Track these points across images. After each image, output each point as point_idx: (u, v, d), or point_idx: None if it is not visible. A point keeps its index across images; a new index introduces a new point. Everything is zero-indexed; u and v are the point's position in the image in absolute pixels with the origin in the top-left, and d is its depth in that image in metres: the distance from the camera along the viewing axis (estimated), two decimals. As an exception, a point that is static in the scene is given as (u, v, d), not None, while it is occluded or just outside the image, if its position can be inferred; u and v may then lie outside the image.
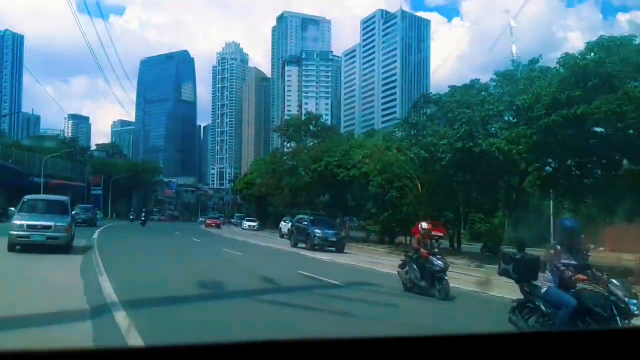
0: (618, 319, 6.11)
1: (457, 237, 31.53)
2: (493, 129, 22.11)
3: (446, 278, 11.84)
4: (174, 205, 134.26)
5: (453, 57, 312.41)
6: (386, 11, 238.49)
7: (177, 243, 31.50)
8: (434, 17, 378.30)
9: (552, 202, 31.37)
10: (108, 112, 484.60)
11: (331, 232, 29.12)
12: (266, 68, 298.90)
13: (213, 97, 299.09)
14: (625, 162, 18.61)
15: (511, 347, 1.73)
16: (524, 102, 19.21)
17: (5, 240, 16.40)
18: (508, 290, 10.12)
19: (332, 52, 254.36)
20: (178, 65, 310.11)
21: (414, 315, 10.72)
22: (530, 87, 19.68)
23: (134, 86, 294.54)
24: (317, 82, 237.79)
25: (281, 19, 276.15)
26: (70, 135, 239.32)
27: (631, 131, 15.86)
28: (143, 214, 61.62)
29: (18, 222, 16.18)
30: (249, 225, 62.78)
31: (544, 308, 6.72)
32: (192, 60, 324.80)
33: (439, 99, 26.67)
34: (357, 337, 1.56)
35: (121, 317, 7.41)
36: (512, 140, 19.96)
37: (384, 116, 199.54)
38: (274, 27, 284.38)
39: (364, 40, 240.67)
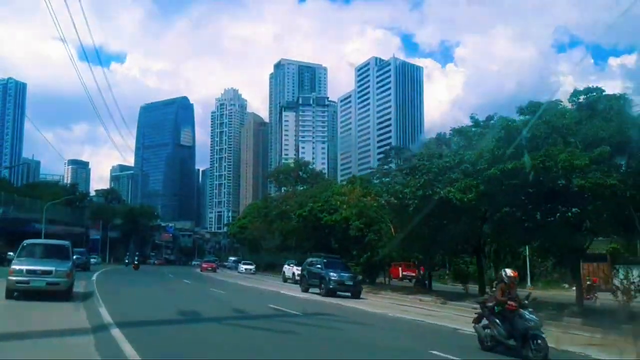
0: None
1: (428, 276, 33.99)
2: (450, 179, 24.73)
3: (543, 335, 10.16)
4: (171, 249, 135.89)
5: (447, 100, 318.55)
6: (380, 58, 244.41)
7: (169, 284, 33.62)
8: (428, 63, 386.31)
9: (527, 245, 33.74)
10: (107, 156, 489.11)
11: (347, 275, 27.28)
12: (264, 113, 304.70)
13: (211, 141, 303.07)
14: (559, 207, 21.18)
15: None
16: (470, 157, 22.07)
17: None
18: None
19: (327, 97, 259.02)
20: (177, 111, 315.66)
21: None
22: (478, 143, 22.55)
23: (134, 132, 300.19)
24: (313, 127, 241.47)
25: (278, 66, 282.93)
26: (69, 179, 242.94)
27: (561, 181, 18.51)
28: (136, 258, 60.97)
29: (17, 267, 15.26)
30: (246, 269, 60.75)
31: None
32: (191, 105, 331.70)
33: (407, 150, 29.62)
34: None
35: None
36: (463, 189, 22.68)
37: (379, 159, 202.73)
38: (271, 74, 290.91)
39: (359, 86, 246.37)
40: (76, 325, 11.15)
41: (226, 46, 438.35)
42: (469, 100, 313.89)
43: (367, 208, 33.10)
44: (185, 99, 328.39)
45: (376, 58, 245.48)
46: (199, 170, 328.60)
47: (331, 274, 26.54)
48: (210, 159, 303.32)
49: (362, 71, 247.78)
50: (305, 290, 28.53)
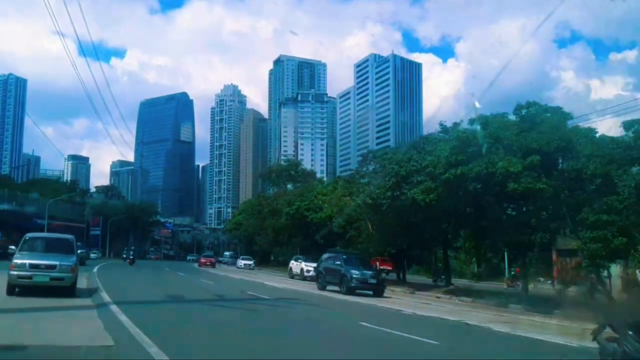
0: None
1: (403, 270, 36.67)
2: (416, 181, 27.26)
3: None
4: (170, 245, 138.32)
5: (448, 95, 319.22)
6: (378, 55, 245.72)
7: (163, 276, 36.25)
8: (429, 58, 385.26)
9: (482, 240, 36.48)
10: (107, 151, 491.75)
11: (369, 272, 25.90)
12: (263, 108, 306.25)
13: (211, 137, 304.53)
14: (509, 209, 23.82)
15: None
16: (430, 162, 24.67)
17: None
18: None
19: (326, 94, 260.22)
20: (177, 107, 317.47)
21: None
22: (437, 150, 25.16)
23: (134, 127, 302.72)
24: (312, 123, 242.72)
25: (278, 62, 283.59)
26: (69, 175, 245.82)
27: (497, 187, 21.12)
28: (131, 253, 60.59)
29: (19, 261, 14.64)
30: (244, 264, 59.88)
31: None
32: (191, 101, 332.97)
33: (382, 154, 32.23)
34: None
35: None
36: (426, 191, 25.24)
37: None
38: (271, 70, 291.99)
39: (358, 83, 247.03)
40: (82, 303, 14.09)
41: (226, 41, 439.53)
42: (470, 94, 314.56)
43: (347, 207, 35.78)
44: (185, 94, 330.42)
45: (375, 55, 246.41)
46: (198, 166, 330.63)
47: (353, 271, 25.10)
48: (210, 154, 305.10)
49: (361, 68, 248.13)
50: (323, 288, 27.03)
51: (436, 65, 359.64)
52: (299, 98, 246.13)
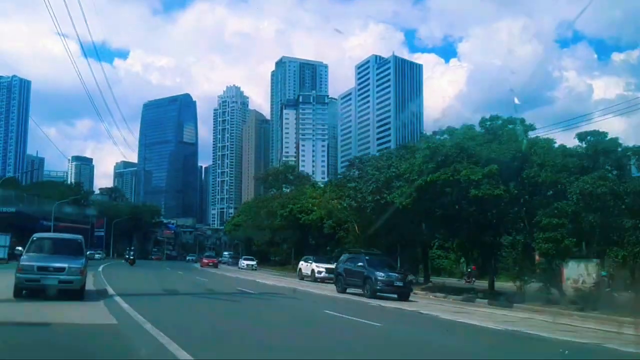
0: None
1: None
2: (396, 186, 29.55)
3: None
4: (173, 245, 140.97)
5: (451, 95, 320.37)
6: (379, 56, 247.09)
7: (163, 274, 38.80)
8: (431, 58, 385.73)
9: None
10: (111, 153, 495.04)
11: (395, 274, 24.43)
12: (266, 109, 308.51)
13: (214, 138, 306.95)
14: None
15: None
16: (405, 169, 27.00)
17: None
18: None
19: (327, 95, 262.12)
20: (180, 108, 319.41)
21: None
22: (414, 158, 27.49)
23: (137, 128, 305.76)
24: (313, 125, 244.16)
25: (280, 63, 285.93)
26: (73, 176, 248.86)
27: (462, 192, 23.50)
28: (131, 253, 60.41)
29: (26, 263, 14.35)
30: (247, 264, 58.58)
31: None
32: (194, 103, 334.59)
33: (366, 160, 34.63)
34: None
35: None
36: (402, 195, 27.52)
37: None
38: (273, 72, 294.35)
39: (359, 84, 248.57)
40: (89, 296, 16.32)
41: (228, 41, 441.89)
42: (473, 95, 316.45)
43: (335, 210, 38.20)
44: (187, 96, 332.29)
45: (376, 56, 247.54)
46: (201, 167, 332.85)
47: (378, 273, 23.71)
48: (213, 156, 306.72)
49: (362, 69, 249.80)
50: (343, 291, 26.08)
51: (438, 65, 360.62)
52: (300, 100, 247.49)
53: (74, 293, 14.52)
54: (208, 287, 25.44)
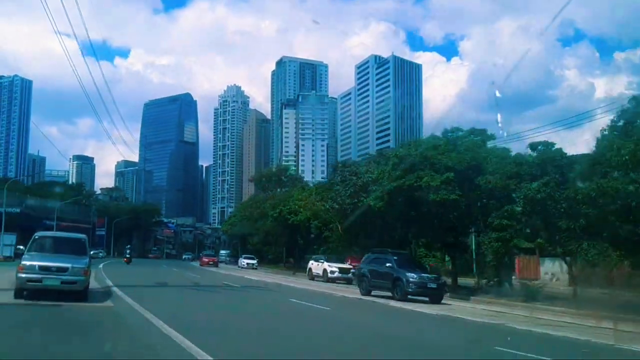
0: None
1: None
2: (372, 190, 32.28)
3: None
4: (172, 244, 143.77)
5: (453, 94, 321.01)
6: (379, 56, 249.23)
7: (158, 271, 41.74)
8: (432, 57, 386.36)
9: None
10: (112, 152, 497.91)
11: (428, 275, 23.04)
12: (266, 109, 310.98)
13: (214, 137, 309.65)
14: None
15: None
16: (378, 175, 29.79)
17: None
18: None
19: (327, 95, 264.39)
20: (181, 107, 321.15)
21: None
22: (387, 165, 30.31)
23: (138, 127, 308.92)
24: (313, 124, 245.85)
25: (280, 63, 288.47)
26: (74, 175, 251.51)
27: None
28: (128, 252, 60.25)
29: (28, 263, 13.89)
30: (247, 263, 57.60)
31: None
32: (195, 102, 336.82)
33: (349, 165, 37.44)
34: None
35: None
36: (376, 199, 30.24)
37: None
38: (273, 71, 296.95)
39: (359, 84, 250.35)
40: (92, 285, 18.78)
41: (229, 40, 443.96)
42: (474, 94, 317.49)
43: (320, 211, 41.05)
44: (188, 95, 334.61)
45: (375, 56, 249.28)
46: (202, 166, 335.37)
47: (409, 274, 22.22)
48: (213, 155, 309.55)
49: (362, 69, 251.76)
50: (367, 293, 24.49)
51: (440, 64, 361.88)
52: (300, 99, 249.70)
53: (77, 294, 14.24)
54: (196, 281, 28.46)
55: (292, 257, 59.75)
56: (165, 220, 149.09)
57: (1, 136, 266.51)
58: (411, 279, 22.01)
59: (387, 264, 23.63)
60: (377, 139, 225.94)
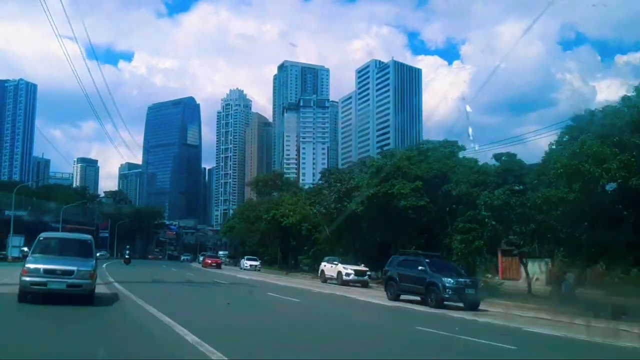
0: None
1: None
2: (355, 196, 34.91)
3: None
4: (174, 246, 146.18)
5: (454, 97, 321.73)
6: (379, 61, 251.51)
7: (157, 270, 44.40)
8: (434, 61, 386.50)
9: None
10: (116, 154, 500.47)
11: (465, 280, 21.35)
12: (269, 111, 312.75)
13: (217, 140, 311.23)
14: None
15: None
16: (358, 182, 32.47)
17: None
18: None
19: (328, 99, 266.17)
20: (184, 111, 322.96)
21: None
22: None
23: (142, 130, 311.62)
24: (314, 128, 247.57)
25: (282, 67, 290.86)
26: (79, 178, 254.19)
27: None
28: (127, 252, 59.84)
29: (32, 266, 13.35)
30: (250, 265, 57.09)
31: None
32: (198, 105, 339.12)
33: (334, 172, 40.16)
34: None
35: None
36: (357, 204, 32.92)
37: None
38: (275, 75, 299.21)
39: (359, 88, 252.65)
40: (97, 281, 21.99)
41: (232, 44, 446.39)
42: (476, 97, 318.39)
43: (309, 214, 43.80)
44: (191, 99, 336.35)
45: (376, 60, 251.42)
46: (205, 168, 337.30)
47: (445, 279, 20.55)
48: (216, 158, 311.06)
49: (362, 73, 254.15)
50: (396, 298, 22.99)
51: (441, 68, 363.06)
52: (301, 103, 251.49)
53: (84, 298, 13.71)
54: (189, 279, 31.26)
55: (286, 258, 62.25)
56: (168, 222, 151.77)
57: (6, 139, 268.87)
58: (447, 284, 20.33)
59: (419, 267, 22.04)
60: (378, 142, 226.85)
